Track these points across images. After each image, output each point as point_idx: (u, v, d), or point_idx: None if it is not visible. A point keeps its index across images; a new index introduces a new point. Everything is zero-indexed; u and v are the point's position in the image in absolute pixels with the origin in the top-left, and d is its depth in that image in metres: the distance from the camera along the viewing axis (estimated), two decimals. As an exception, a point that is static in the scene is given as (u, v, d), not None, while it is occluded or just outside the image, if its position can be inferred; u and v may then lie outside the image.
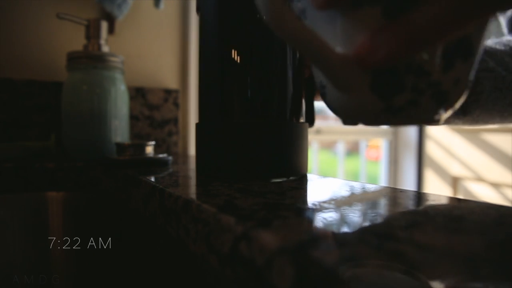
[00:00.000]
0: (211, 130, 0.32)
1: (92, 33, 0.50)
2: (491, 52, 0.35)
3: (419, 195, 0.23)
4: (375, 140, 1.46)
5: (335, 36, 0.18)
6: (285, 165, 0.31)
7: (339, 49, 0.17)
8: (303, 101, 0.35)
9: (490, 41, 0.37)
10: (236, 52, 0.31)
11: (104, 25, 0.51)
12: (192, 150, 0.75)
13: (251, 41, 0.31)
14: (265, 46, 0.31)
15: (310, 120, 0.37)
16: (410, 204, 0.21)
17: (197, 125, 0.34)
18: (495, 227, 0.17)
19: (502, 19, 0.41)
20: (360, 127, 1.24)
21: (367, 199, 0.23)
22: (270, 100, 0.31)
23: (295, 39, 0.16)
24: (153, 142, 0.44)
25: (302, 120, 0.34)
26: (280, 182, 0.30)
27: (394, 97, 0.17)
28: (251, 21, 0.31)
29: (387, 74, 0.16)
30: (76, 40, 0.62)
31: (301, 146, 0.32)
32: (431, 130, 1.22)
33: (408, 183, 1.28)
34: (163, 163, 0.42)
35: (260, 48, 0.31)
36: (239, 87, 0.31)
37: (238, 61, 0.31)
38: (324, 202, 0.22)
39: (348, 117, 0.21)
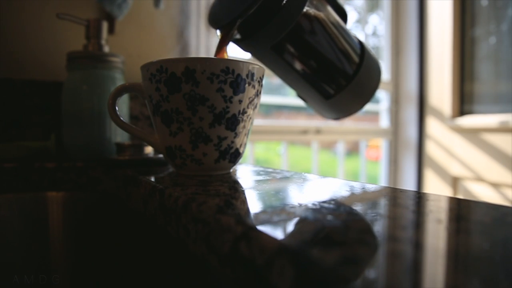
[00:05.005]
0: None
1: (92, 33, 0.50)
2: None
3: (419, 195, 0.23)
4: (375, 140, 1.46)
5: None
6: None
7: None
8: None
9: None
10: None
11: (104, 25, 0.51)
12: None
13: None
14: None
15: (344, 16, 0.43)
16: (410, 204, 0.21)
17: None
18: (495, 227, 0.17)
19: None
20: (361, 126, 1.24)
21: (367, 199, 0.23)
22: None
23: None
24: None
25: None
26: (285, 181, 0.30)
27: None
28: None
29: None
30: (76, 40, 0.61)
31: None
32: (431, 130, 1.22)
33: (408, 183, 1.28)
34: (163, 163, 0.42)
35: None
36: None
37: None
38: (324, 202, 0.22)
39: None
